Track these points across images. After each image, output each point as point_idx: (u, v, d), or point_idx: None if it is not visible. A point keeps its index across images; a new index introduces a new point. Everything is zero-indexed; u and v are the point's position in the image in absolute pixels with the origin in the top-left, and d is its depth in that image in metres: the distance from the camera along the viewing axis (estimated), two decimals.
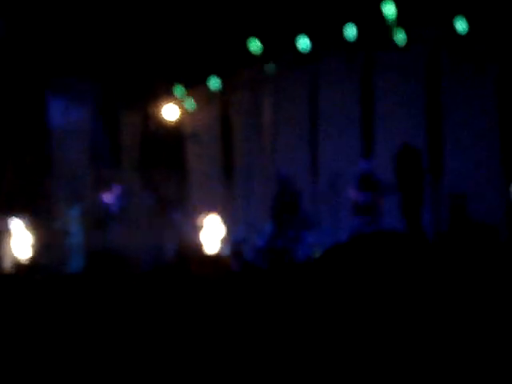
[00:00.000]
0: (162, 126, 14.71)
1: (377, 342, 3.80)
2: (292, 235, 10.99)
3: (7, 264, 10.99)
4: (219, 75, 13.55)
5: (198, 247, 10.29)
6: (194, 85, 14.10)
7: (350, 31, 11.00)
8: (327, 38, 11.61)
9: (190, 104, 14.51)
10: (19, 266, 10.65)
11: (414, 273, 4.43)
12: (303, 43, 11.64)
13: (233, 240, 11.90)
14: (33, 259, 10.76)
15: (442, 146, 10.43)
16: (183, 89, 14.18)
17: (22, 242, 11.52)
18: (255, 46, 11.96)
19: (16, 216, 12.12)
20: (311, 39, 11.65)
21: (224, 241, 11.27)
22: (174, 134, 14.76)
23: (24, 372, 4.72)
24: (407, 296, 4.26)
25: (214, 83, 13.75)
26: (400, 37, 10.63)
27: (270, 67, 12.71)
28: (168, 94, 14.39)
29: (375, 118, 11.22)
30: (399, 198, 9.39)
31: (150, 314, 5.93)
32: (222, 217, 12.16)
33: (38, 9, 10.24)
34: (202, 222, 11.90)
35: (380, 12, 10.45)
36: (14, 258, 10.99)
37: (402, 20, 10.52)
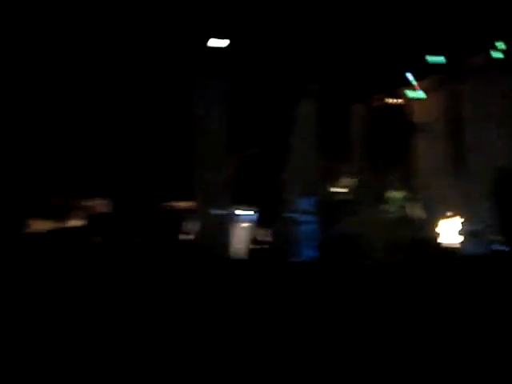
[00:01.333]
0: (390, 118, 14.58)
1: None
2: None
3: (242, 251, 11.50)
4: (447, 64, 13.13)
5: (435, 240, 10.05)
6: (422, 75, 13.80)
7: None
8: None
9: (418, 94, 14.21)
10: (254, 253, 11.08)
11: None
12: None
13: (470, 232, 11.48)
14: (267, 247, 11.17)
15: None
16: (412, 79, 13.93)
17: (248, 232, 12.01)
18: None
19: (248, 207, 12.69)
20: None
21: (461, 234, 10.87)
22: (402, 125, 14.56)
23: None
24: None
25: (442, 72, 13.37)
26: None
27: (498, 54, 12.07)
28: (396, 86, 14.22)
29: None
30: None
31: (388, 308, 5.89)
32: (455, 209, 11.73)
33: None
34: (435, 214, 11.63)
35: None
36: (249, 245, 11.47)
37: None
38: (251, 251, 11.36)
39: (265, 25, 10.85)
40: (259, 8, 10.47)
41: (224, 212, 12.11)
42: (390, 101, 14.49)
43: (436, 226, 11.47)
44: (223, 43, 11.13)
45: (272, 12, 10.58)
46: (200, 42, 11.32)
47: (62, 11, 10.24)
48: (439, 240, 10.33)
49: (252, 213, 12.74)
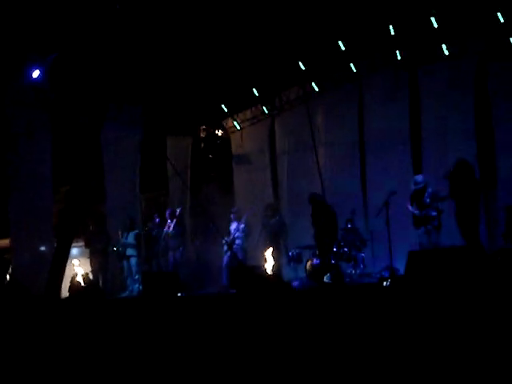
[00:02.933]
0: (210, 149, 14.97)
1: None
2: (346, 252, 10.97)
3: (65, 288, 11.17)
4: (265, 95, 13.63)
5: (259, 267, 10.31)
6: (241, 106, 14.25)
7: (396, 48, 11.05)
8: (374, 55, 11.65)
9: (237, 125, 14.67)
10: (78, 290, 10.82)
11: (473, 285, 4.46)
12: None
13: (286, 258, 11.86)
14: (91, 283, 10.93)
15: (494, 158, 10.28)
16: (230, 111, 14.36)
17: (79, 267, 11.71)
18: (301, 64, 12.04)
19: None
20: (357, 57, 11.71)
21: (276, 259, 11.20)
22: (222, 156, 14.97)
23: None
24: (466, 308, 4.28)
25: (260, 104, 13.92)
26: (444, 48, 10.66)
27: (316, 86, 12.77)
28: (215, 117, 14.60)
29: (424, 133, 11.20)
30: (455, 212, 9.21)
31: (207, 335, 5.97)
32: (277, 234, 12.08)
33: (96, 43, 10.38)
34: (258, 241, 11.94)
35: (425, 27, 10.40)
36: (72, 283, 11.16)
37: (449, 32, 10.47)
38: (74, 287, 11.05)
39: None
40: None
41: (45, 247, 11.80)
42: (213, 133, 14.94)
43: (260, 252, 11.79)
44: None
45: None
46: None
47: None
48: (264, 266, 10.60)
49: (76, 247, 12.43)
